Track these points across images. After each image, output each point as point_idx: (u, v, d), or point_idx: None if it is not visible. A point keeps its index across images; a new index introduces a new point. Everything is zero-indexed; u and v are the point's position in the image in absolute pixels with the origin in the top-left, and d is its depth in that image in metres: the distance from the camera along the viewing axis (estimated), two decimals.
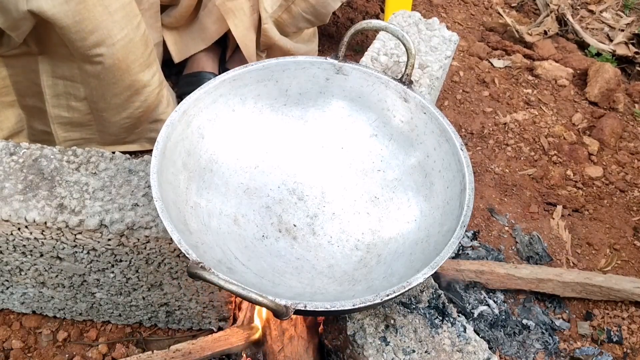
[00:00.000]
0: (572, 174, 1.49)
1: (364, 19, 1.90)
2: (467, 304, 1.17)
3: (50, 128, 1.24)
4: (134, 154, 1.38)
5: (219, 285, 0.62)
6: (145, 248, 0.89)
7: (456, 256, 1.25)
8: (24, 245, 0.90)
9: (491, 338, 1.14)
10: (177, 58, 1.46)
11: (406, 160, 0.92)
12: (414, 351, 0.80)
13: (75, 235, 0.88)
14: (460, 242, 1.27)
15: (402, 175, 0.92)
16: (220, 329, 1.08)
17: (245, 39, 1.35)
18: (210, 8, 1.39)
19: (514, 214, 1.38)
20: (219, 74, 1.49)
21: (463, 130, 1.57)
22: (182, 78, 1.50)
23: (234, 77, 0.89)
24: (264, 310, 0.99)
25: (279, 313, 0.64)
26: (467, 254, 1.26)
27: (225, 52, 1.53)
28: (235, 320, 1.07)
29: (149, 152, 1.33)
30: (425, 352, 0.81)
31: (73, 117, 1.23)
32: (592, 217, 1.41)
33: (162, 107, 1.25)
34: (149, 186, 0.89)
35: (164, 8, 1.41)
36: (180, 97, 1.43)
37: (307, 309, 0.65)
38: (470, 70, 1.74)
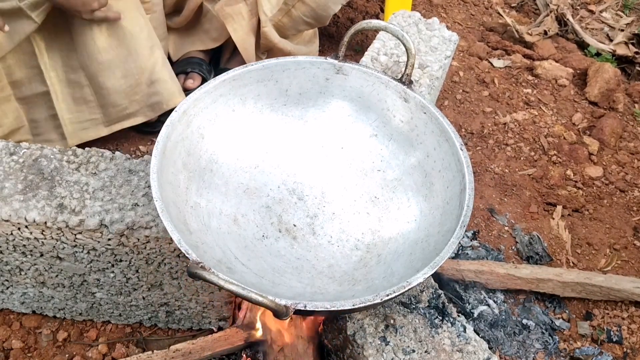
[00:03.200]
0: (572, 174, 1.49)
1: (364, 18, 1.90)
2: (467, 304, 1.17)
3: (55, 110, 1.24)
4: (135, 152, 1.38)
5: (219, 285, 0.62)
6: (145, 248, 0.90)
7: (456, 256, 1.25)
8: (24, 245, 0.90)
9: (491, 338, 1.14)
10: (174, 56, 1.49)
11: (406, 160, 0.92)
12: (413, 351, 0.80)
13: (75, 235, 0.88)
14: (460, 242, 1.27)
15: (402, 175, 0.92)
16: (220, 328, 1.08)
17: (244, 43, 1.36)
18: (210, 17, 1.41)
19: (514, 214, 1.39)
20: (210, 63, 1.51)
21: (463, 130, 1.57)
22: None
23: (234, 77, 0.89)
24: (261, 309, 0.99)
25: (279, 313, 0.64)
26: (467, 254, 1.26)
27: (220, 51, 1.54)
28: (235, 320, 1.07)
29: (151, 145, 1.33)
30: (425, 352, 0.81)
31: (74, 92, 1.24)
32: (592, 217, 1.41)
33: (158, 66, 1.26)
34: (149, 186, 0.89)
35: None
36: None
37: (307, 308, 0.65)
38: (470, 70, 1.74)
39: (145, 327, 1.10)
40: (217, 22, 1.40)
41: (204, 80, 1.42)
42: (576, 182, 1.48)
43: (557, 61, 1.83)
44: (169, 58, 1.50)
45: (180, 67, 1.45)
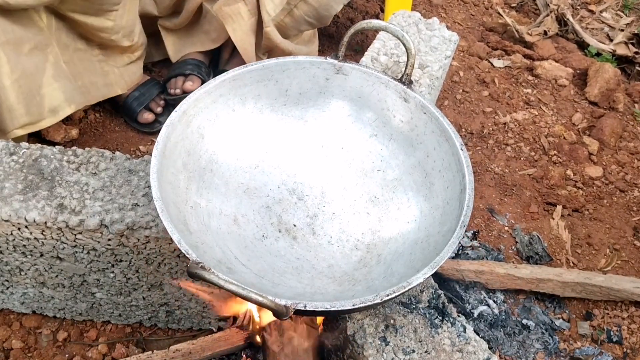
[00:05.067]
0: (572, 174, 1.49)
1: (364, 18, 1.90)
2: (467, 304, 1.17)
3: None
4: (135, 152, 1.38)
5: (219, 285, 0.62)
6: (145, 248, 0.90)
7: (456, 256, 1.25)
8: (24, 245, 0.90)
9: (491, 338, 1.14)
10: (174, 58, 1.48)
11: (406, 160, 0.92)
12: (413, 351, 0.80)
13: (75, 235, 0.88)
14: (460, 242, 1.27)
15: (402, 175, 0.92)
16: (220, 329, 1.08)
17: (244, 43, 1.35)
18: (210, 18, 1.41)
19: (514, 214, 1.39)
20: (209, 65, 1.51)
21: (463, 130, 1.57)
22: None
23: (234, 77, 0.89)
24: (254, 308, 0.99)
25: (279, 313, 0.64)
26: (467, 254, 1.26)
27: (220, 51, 1.54)
28: (235, 320, 1.07)
29: (151, 145, 1.32)
30: (425, 352, 0.81)
31: None
32: (592, 217, 1.41)
33: None
34: (149, 186, 0.89)
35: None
36: (166, 81, 1.46)
37: (307, 309, 0.65)
38: (470, 70, 1.74)
39: (145, 327, 1.10)
40: (216, 22, 1.39)
41: (203, 83, 1.42)
42: (576, 182, 1.48)
43: (557, 61, 1.83)
44: (168, 59, 1.49)
45: (179, 68, 1.45)
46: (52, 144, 1.32)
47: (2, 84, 1.07)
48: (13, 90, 1.09)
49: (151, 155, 0.78)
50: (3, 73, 1.06)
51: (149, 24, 1.45)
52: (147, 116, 1.40)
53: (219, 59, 1.54)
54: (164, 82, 1.46)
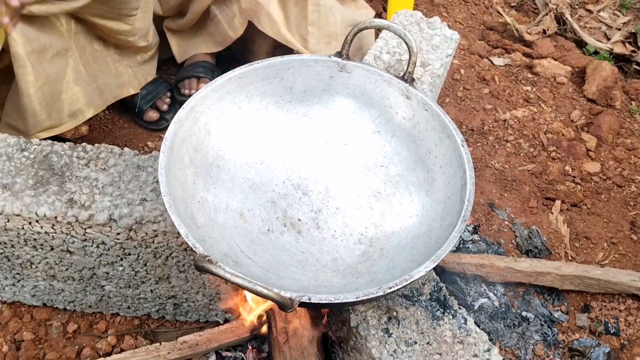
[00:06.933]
0: (570, 170, 1.51)
1: None
2: (468, 297, 1.18)
3: None
4: (143, 148, 1.40)
5: (225, 278, 0.63)
6: (153, 242, 0.91)
7: (457, 250, 1.26)
8: (35, 239, 0.92)
9: (491, 330, 1.15)
10: (179, 58, 1.49)
11: (408, 156, 0.93)
12: (415, 342, 0.81)
13: (85, 229, 0.89)
14: (461, 236, 1.29)
15: (404, 171, 0.93)
16: (226, 321, 1.09)
17: (285, 36, 1.36)
18: (216, 22, 1.41)
19: (514, 208, 1.40)
20: (216, 64, 1.51)
21: (464, 126, 1.58)
22: (180, 68, 1.53)
23: (240, 75, 0.90)
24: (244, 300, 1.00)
25: (284, 305, 0.65)
26: (468, 247, 1.27)
27: (224, 54, 1.54)
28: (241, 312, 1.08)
29: (159, 141, 1.34)
30: (427, 343, 0.82)
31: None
32: (590, 212, 1.42)
33: None
34: (157, 181, 0.90)
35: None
36: (178, 81, 1.47)
37: (312, 301, 0.67)
38: (471, 68, 1.75)
39: (153, 319, 1.11)
40: (222, 26, 1.40)
41: None
42: (574, 177, 1.49)
43: (556, 59, 1.84)
44: (174, 59, 1.50)
45: (192, 70, 1.46)
46: (63, 140, 1.33)
47: (27, 92, 1.11)
48: (37, 97, 1.13)
49: (159, 152, 0.79)
50: (28, 82, 1.10)
51: (154, 23, 1.46)
52: (152, 115, 1.42)
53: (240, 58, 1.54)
54: (175, 82, 1.47)
